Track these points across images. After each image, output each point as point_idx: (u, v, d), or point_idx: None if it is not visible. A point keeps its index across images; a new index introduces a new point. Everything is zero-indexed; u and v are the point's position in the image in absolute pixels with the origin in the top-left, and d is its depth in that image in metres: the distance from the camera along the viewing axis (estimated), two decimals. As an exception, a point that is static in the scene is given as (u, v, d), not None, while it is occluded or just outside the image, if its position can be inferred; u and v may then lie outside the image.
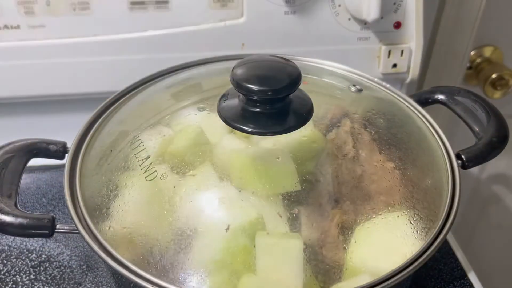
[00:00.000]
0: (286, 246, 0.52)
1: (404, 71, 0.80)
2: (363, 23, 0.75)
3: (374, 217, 0.59)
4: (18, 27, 0.70)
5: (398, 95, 0.65)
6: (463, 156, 0.56)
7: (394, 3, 0.74)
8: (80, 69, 0.75)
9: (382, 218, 0.57)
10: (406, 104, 0.64)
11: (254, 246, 0.57)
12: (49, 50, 0.72)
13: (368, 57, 0.79)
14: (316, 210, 0.60)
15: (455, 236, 0.70)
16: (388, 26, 0.76)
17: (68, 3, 0.70)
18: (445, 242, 0.68)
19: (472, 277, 0.64)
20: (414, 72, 0.80)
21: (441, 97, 0.65)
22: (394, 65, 0.79)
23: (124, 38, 0.72)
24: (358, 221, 0.58)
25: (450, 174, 0.55)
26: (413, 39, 0.77)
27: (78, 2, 0.69)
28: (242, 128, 0.56)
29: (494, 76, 0.94)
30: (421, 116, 0.62)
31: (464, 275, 0.64)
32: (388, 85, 0.66)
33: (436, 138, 0.59)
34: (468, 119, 0.61)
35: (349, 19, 0.75)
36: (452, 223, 0.49)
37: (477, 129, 0.60)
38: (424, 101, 0.65)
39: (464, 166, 0.56)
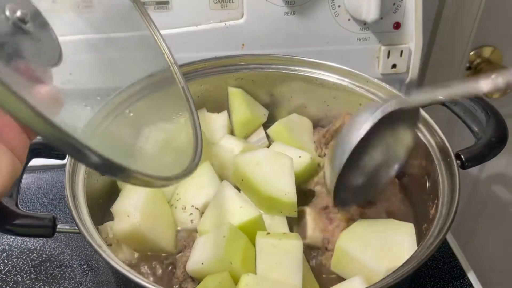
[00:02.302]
0: (286, 246, 0.52)
1: (404, 71, 0.80)
2: (363, 24, 0.76)
3: (375, 218, 0.59)
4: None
5: (394, 94, 0.65)
6: (462, 156, 0.56)
7: (394, 4, 0.74)
8: (80, 67, 0.74)
9: (383, 219, 0.57)
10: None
11: (254, 245, 0.57)
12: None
13: (367, 58, 0.79)
14: (322, 213, 0.60)
15: (454, 236, 0.70)
16: (387, 27, 0.76)
17: (72, 0, 0.70)
18: (444, 242, 0.69)
19: (471, 276, 0.64)
20: (413, 72, 0.80)
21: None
22: (394, 66, 0.79)
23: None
24: (360, 222, 0.59)
25: (450, 174, 0.55)
26: (413, 39, 0.78)
27: (81, 0, 0.70)
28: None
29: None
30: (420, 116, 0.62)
31: (463, 275, 0.64)
32: (387, 86, 0.66)
33: (435, 138, 0.60)
34: (467, 119, 0.61)
35: (349, 19, 0.75)
36: (451, 223, 0.50)
37: (476, 129, 0.60)
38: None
39: (463, 166, 0.56)
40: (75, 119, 0.47)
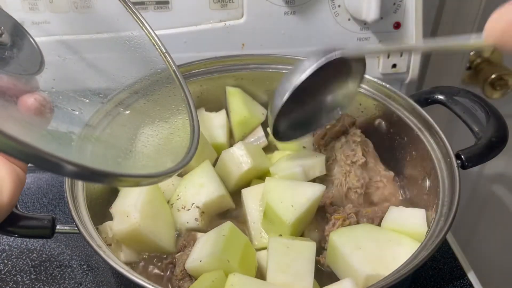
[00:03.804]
0: (299, 247, 0.52)
1: (404, 71, 0.80)
2: (363, 24, 0.75)
3: (372, 218, 0.59)
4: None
5: (397, 95, 0.65)
6: (462, 156, 0.56)
7: (394, 4, 0.74)
8: (81, 65, 0.74)
9: (390, 231, 0.56)
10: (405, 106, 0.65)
11: (255, 248, 0.57)
12: (51, 46, 0.72)
13: (367, 57, 0.78)
14: (318, 213, 0.60)
15: (454, 236, 0.70)
16: (387, 27, 0.76)
17: (70, 0, 0.70)
18: (444, 242, 0.69)
19: (472, 276, 0.64)
20: (413, 72, 0.80)
21: (440, 97, 0.65)
22: (394, 65, 0.79)
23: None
24: (363, 225, 0.58)
25: (450, 174, 0.55)
26: (413, 39, 0.77)
27: (80, 0, 0.70)
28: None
29: (493, 76, 0.94)
30: (420, 117, 0.62)
31: (463, 275, 0.64)
32: (388, 85, 0.66)
33: (435, 138, 0.59)
34: (467, 119, 0.61)
35: (349, 19, 0.75)
36: (451, 223, 0.49)
37: (476, 129, 0.60)
38: (424, 101, 0.65)
39: (463, 166, 0.56)
40: (64, 125, 0.47)
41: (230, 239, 0.52)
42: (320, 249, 0.58)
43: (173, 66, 0.59)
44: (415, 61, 0.79)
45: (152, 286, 0.44)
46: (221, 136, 0.70)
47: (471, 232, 1.18)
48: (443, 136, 0.58)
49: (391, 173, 0.64)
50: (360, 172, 0.62)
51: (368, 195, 0.62)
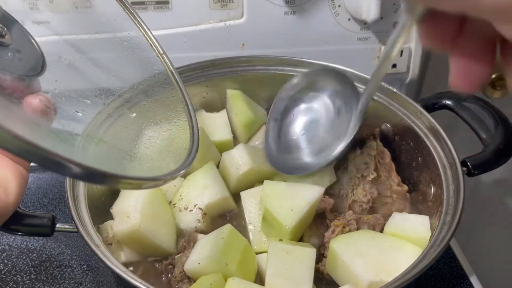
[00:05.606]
0: (299, 253, 0.52)
1: (404, 71, 0.80)
2: (363, 24, 0.75)
3: (373, 224, 0.59)
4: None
5: (403, 99, 0.64)
6: (469, 163, 0.55)
7: (394, 4, 0.74)
8: (81, 65, 0.74)
9: (392, 237, 0.56)
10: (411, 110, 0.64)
11: (255, 251, 0.57)
12: (52, 47, 0.72)
13: (367, 57, 0.79)
14: (318, 219, 0.60)
15: (455, 237, 0.70)
16: (387, 27, 0.76)
17: (70, 0, 0.70)
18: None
19: (472, 277, 0.64)
20: (413, 72, 0.80)
21: (448, 102, 0.64)
22: (394, 65, 0.79)
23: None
24: (364, 231, 0.57)
25: (455, 181, 0.54)
26: (413, 39, 0.77)
27: (80, 0, 0.70)
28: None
29: (493, 76, 0.94)
30: (427, 122, 0.61)
31: (464, 275, 0.64)
32: (395, 90, 0.65)
33: (441, 144, 0.58)
34: (475, 125, 0.60)
35: (349, 19, 0.75)
36: (454, 232, 0.49)
37: (484, 136, 0.58)
38: (431, 107, 0.64)
39: (470, 174, 0.55)
40: (67, 126, 0.47)
41: (229, 242, 0.52)
42: (319, 256, 0.57)
43: (171, 67, 0.58)
44: (415, 61, 0.79)
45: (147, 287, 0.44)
46: (227, 134, 0.70)
47: (471, 232, 1.18)
48: (449, 142, 0.57)
49: (404, 188, 0.62)
50: (369, 186, 0.61)
51: (374, 209, 0.61)
